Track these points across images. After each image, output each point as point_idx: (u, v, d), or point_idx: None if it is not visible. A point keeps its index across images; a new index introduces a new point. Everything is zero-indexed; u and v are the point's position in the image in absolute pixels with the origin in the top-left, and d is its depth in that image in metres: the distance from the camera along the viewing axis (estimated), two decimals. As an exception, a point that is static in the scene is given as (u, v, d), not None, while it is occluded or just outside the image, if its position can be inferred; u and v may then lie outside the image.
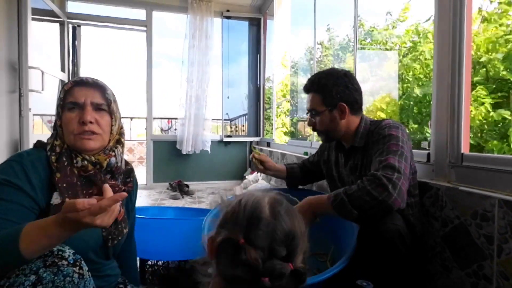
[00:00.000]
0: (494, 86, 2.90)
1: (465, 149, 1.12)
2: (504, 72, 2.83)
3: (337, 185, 1.31)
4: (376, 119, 1.22)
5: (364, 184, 0.92)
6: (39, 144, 0.83)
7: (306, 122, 1.31)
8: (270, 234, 0.47)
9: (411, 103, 3.91)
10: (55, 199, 0.76)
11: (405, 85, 4.17)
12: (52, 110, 3.64)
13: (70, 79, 3.35)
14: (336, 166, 1.31)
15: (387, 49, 4.73)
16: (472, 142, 2.81)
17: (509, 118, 2.74)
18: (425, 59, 3.85)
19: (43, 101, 2.91)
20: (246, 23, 4.10)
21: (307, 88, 1.22)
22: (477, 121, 2.85)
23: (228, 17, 3.94)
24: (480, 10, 3.01)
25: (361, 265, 0.97)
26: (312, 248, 1.16)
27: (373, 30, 5.14)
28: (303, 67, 4.66)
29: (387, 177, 0.90)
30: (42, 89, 2.59)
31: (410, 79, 4.06)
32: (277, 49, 3.93)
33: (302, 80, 5.08)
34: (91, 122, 0.80)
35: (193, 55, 3.66)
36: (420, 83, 3.93)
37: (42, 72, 2.59)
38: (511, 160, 0.97)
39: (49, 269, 0.65)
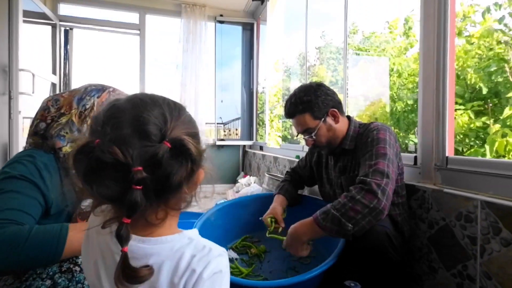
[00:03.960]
0: (472, 95, 3.03)
1: (450, 152, 1.15)
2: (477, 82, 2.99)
3: (325, 186, 1.33)
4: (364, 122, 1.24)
5: (352, 194, 0.93)
6: (47, 147, 0.83)
7: (305, 144, 1.29)
8: (130, 120, 0.41)
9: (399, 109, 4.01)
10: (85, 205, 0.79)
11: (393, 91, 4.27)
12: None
13: (61, 82, 3.33)
14: (326, 168, 1.33)
15: (385, 55, 4.83)
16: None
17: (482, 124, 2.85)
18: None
19: (34, 104, 2.89)
20: (240, 27, 4.13)
21: (291, 113, 1.20)
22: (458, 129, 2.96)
23: (221, 22, 3.97)
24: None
25: (349, 266, 0.99)
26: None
27: (370, 37, 5.24)
28: (295, 72, 4.71)
29: (376, 183, 0.92)
30: (33, 92, 2.57)
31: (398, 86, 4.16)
32: (270, 54, 3.97)
33: (295, 84, 5.12)
34: None
35: (187, 59, 3.68)
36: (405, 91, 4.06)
37: (33, 75, 2.57)
38: (493, 163, 1.00)
39: (64, 275, 0.66)
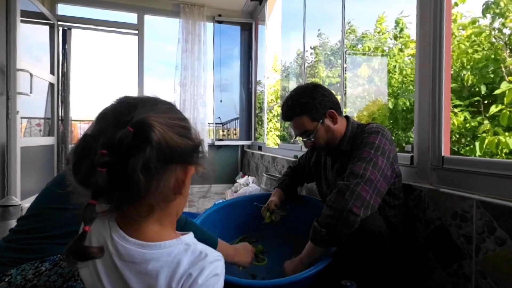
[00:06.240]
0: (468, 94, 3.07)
1: (445, 152, 1.16)
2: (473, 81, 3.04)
3: (323, 187, 1.33)
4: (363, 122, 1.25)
5: (328, 198, 0.97)
6: None
7: (303, 146, 1.33)
8: (113, 115, 0.44)
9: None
10: None
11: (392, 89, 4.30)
12: (41, 113, 3.58)
13: (60, 82, 3.33)
14: (324, 168, 1.33)
15: (382, 55, 4.84)
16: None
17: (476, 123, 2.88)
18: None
19: (32, 104, 2.88)
20: (238, 28, 4.14)
21: (288, 116, 1.19)
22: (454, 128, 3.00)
23: (220, 22, 3.97)
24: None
25: (345, 266, 0.99)
26: (301, 247, 1.17)
27: (364, 37, 5.26)
28: (294, 72, 4.72)
29: (346, 184, 0.95)
30: (31, 92, 2.57)
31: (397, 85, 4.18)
32: (269, 54, 3.98)
33: (294, 84, 5.13)
34: None
35: (186, 60, 3.68)
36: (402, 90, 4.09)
37: (31, 75, 2.57)
38: (488, 162, 1.01)
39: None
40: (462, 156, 1.11)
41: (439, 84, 1.16)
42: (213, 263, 0.47)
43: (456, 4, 3.37)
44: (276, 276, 1.14)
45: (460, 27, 3.40)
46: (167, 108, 0.48)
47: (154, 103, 0.47)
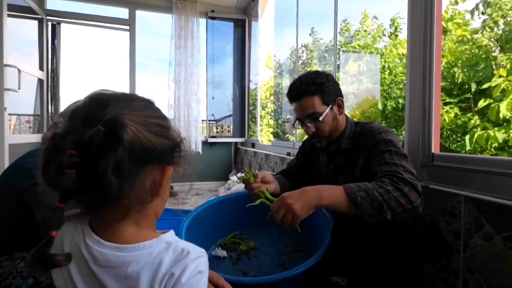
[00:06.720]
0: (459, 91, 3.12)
1: (435, 149, 1.17)
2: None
3: (314, 184, 1.32)
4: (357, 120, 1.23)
5: (399, 185, 0.83)
6: None
7: (306, 133, 1.16)
8: (83, 112, 0.42)
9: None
10: None
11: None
12: (30, 109, 3.50)
13: (49, 77, 3.27)
14: (317, 165, 1.31)
15: (372, 53, 4.87)
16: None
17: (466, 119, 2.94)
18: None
19: (21, 100, 2.82)
20: (231, 24, 4.11)
21: (299, 94, 1.10)
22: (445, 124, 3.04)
23: (212, 18, 3.94)
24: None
25: (335, 262, 1.00)
26: (292, 244, 1.17)
27: (357, 34, 5.28)
28: (287, 69, 4.71)
29: (416, 183, 0.86)
30: (19, 88, 2.52)
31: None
32: (262, 50, 3.96)
33: (287, 81, 5.13)
34: None
35: (180, 56, 3.65)
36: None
37: (19, 71, 2.52)
38: (476, 159, 1.02)
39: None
40: (451, 153, 1.12)
41: (429, 82, 1.17)
42: (196, 260, 0.45)
43: (456, 3, 3.40)
44: (268, 273, 1.14)
45: (456, 26, 3.43)
46: (143, 105, 0.45)
47: (129, 100, 0.44)
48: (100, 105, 0.41)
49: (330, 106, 1.10)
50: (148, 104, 0.46)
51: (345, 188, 0.84)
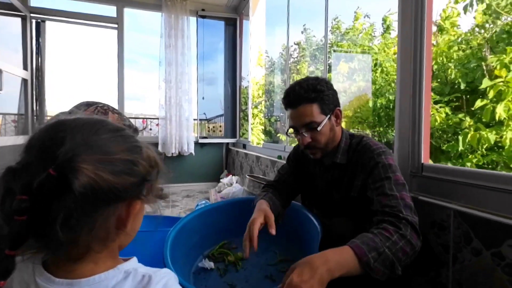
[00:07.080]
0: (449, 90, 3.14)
1: (425, 159, 1.16)
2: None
3: (306, 195, 1.29)
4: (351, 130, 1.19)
5: (402, 231, 0.80)
6: None
7: (300, 143, 1.09)
8: (39, 145, 0.39)
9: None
10: None
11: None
12: (15, 109, 3.41)
13: (34, 77, 3.17)
14: (312, 175, 1.26)
15: (363, 52, 4.87)
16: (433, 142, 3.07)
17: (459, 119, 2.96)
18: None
19: (4, 100, 2.73)
20: (222, 23, 4.05)
21: (298, 100, 1.03)
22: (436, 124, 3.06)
23: (203, 17, 3.87)
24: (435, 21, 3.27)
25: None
26: (281, 254, 1.15)
27: (348, 32, 5.26)
28: (279, 67, 4.68)
29: (415, 221, 0.84)
30: (1, 89, 2.43)
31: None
32: (253, 49, 3.92)
33: (279, 79, 5.10)
34: None
35: (170, 55, 3.58)
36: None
37: (1, 71, 2.43)
38: (466, 172, 1.01)
39: None
40: (440, 165, 1.11)
41: (419, 92, 1.15)
42: (160, 281, 0.42)
43: (456, 2, 3.40)
44: (255, 285, 1.12)
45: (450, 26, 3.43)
46: (107, 138, 0.41)
47: (91, 133, 0.40)
48: (55, 141, 0.37)
49: (329, 116, 1.03)
50: (115, 135, 0.42)
51: (354, 250, 0.75)
